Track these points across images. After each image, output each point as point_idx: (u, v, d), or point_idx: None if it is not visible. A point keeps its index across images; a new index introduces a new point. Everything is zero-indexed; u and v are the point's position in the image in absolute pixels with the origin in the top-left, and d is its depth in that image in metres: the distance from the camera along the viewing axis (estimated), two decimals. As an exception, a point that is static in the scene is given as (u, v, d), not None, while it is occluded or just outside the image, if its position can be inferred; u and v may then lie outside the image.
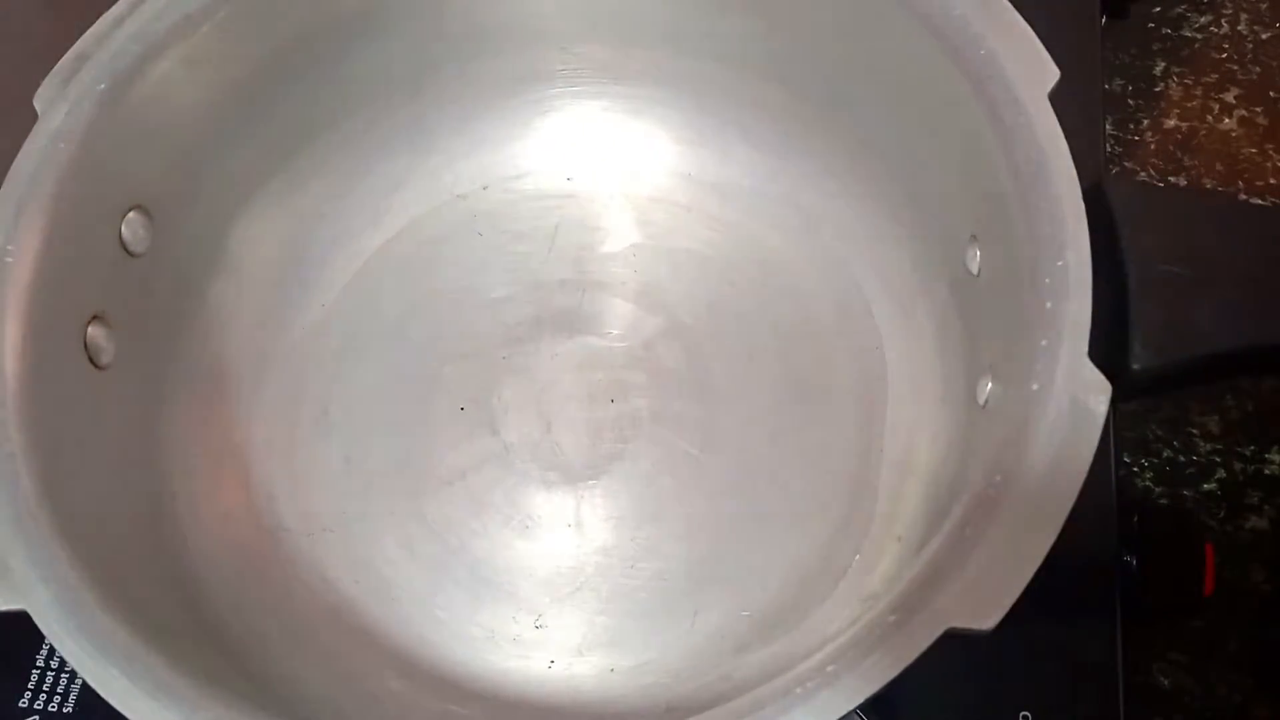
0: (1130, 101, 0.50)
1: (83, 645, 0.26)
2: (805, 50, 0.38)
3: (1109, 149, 0.48)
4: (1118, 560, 0.37)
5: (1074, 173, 0.29)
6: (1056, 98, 0.30)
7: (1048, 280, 0.28)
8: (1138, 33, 0.52)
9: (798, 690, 0.24)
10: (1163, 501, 0.42)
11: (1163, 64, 0.51)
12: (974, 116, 0.31)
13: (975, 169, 0.31)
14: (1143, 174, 0.48)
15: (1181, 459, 0.43)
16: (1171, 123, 0.50)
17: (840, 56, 0.37)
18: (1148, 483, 0.42)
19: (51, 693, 0.37)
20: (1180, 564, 0.37)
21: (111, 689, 0.26)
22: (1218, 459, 0.43)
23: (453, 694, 0.35)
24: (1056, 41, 0.31)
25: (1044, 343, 0.27)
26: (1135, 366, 0.28)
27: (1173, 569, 0.37)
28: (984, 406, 0.31)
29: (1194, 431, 0.43)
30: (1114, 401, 0.26)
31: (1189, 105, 0.50)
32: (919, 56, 0.33)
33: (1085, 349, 0.26)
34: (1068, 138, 0.29)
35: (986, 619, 0.24)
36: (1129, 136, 0.49)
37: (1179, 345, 0.28)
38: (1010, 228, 0.29)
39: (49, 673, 0.38)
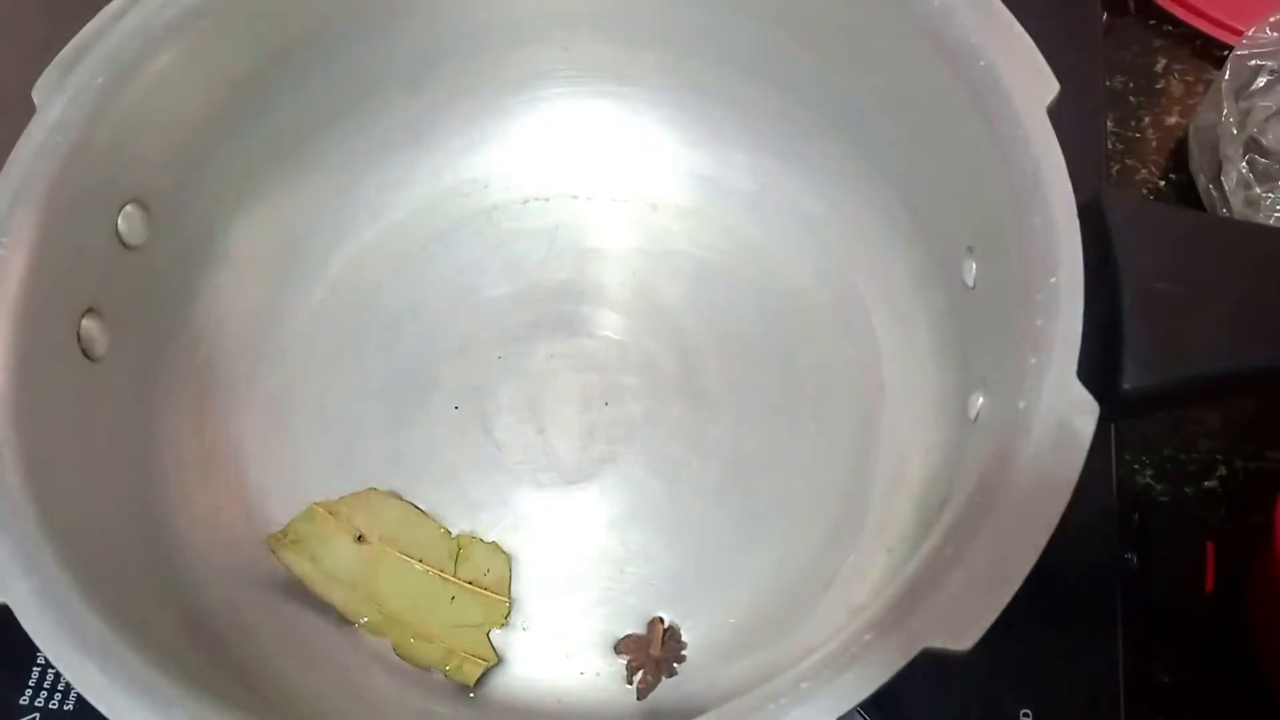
0: (1131, 98, 0.50)
1: (61, 640, 0.26)
2: (807, 55, 0.38)
3: (1110, 146, 0.48)
4: (1118, 558, 0.37)
5: (1070, 189, 0.28)
6: (1057, 111, 0.30)
7: (1039, 297, 0.27)
8: (1139, 29, 0.51)
9: (770, 707, 0.24)
10: (1163, 499, 0.42)
11: (1164, 60, 0.51)
12: (972, 128, 0.31)
13: (972, 181, 0.31)
14: (1144, 171, 0.48)
15: (1182, 456, 0.42)
16: (1173, 119, 0.49)
17: (842, 63, 0.37)
18: (1148, 480, 0.42)
19: (52, 690, 0.37)
20: (1181, 562, 0.37)
21: (89, 685, 0.26)
22: (1219, 456, 0.42)
23: (438, 693, 0.36)
24: (1057, 54, 0.30)
25: (1033, 360, 0.27)
26: (1126, 386, 0.28)
27: (1173, 567, 0.37)
28: (975, 421, 0.31)
29: (1195, 429, 0.43)
30: (1104, 420, 0.26)
31: (1190, 102, 0.49)
32: (920, 66, 0.32)
33: (1074, 368, 0.26)
34: (1067, 151, 0.29)
35: (963, 640, 0.24)
36: (1130, 134, 0.49)
37: (1172, 365, 0.28)
38: (1005, 242, 0.29)
39: (50, 670, 0.38)
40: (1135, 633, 0.37)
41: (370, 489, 0.38)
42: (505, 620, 0.36)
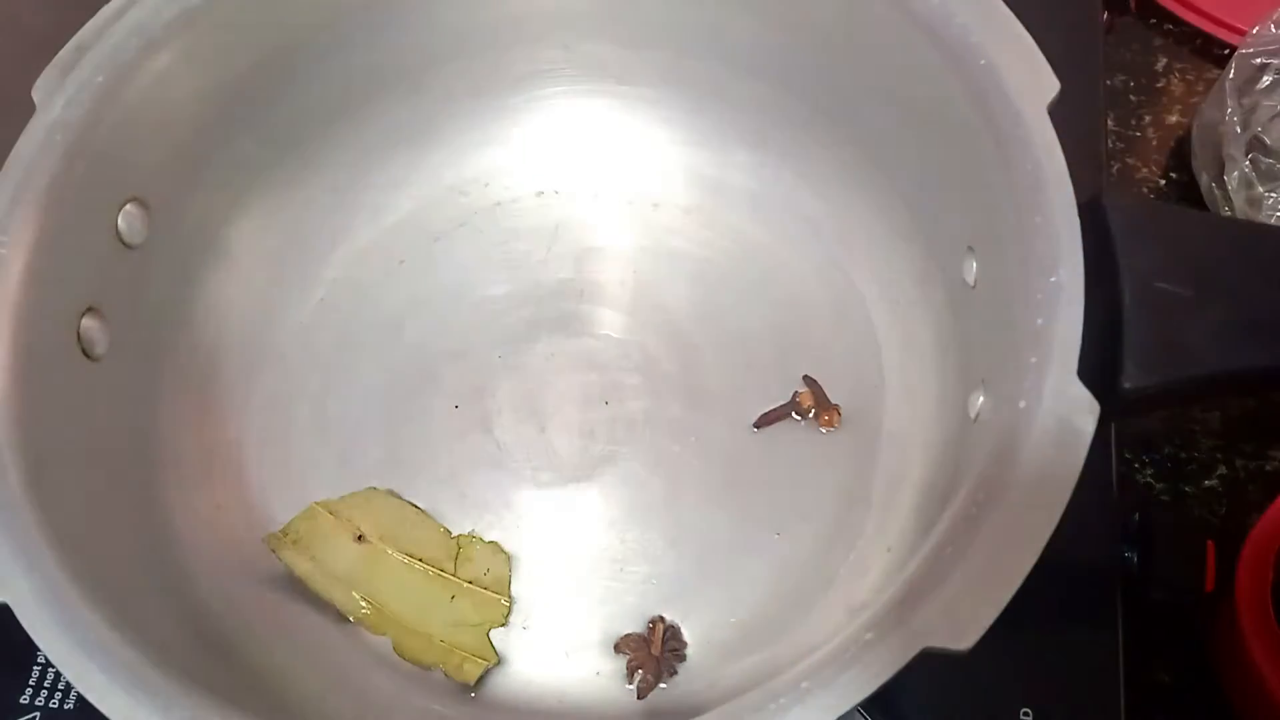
0: (1132, 97, 0.50)
1: (62, 640, 0.26)
2: (808, 56, 0.38)
3: (1110, 145, 0.47)
4: (1119, 557, 0.37)
5: (1070, 188, 0.28)
6: (1057, 110, 0.29)
7: (1039, 296, 0.27)
8: (1139, 28, 0.51)
9: (770, 707, 0.24)
10: (1164, 498, 0.42)
11: (1164, 59, 0.51)
12: (973, 127, 0.31)
13: (973, 180, 0.31)
14: (1144, 170, 0.48)
15: (1183, 455, 0.42)
16: (1173, 118, 0.49)
17: (842, 63, 0.37)
18: (1148, 479, 0.42)
19: (52, 690, 0.37)
20: (1181, 562, 0.36)
21: (89, 684, 0.26)
22: (1219, 455, 0.42)
23: (438, 692, 0.36)
24: (1057, 52, 0.30)
25: (1033, 359, 0.27)
26: (1126, 385, 0.28)
27: (1173, 566, 0.36)
28: (975, 420, 0.31)
29: (1195, 428, 0.43)
30: (1104, 419, 0.26)
31: (1190, 101, 0.49)
32: (919, 65, 0.32)
33: (1074, 367, 0.26)
34: (1067, 150, 0.29)
35: (963, 639, 0.24)
36: (1130, 132, 0.49)
37: (1172, 365, 0.28)
38: (1005, 241, 0.29)
39: (50, 670, 0.38)
40: (1135, 632, 0.37)
41: (370, 489, 0.38)
42: (505, 620, 0.36)
